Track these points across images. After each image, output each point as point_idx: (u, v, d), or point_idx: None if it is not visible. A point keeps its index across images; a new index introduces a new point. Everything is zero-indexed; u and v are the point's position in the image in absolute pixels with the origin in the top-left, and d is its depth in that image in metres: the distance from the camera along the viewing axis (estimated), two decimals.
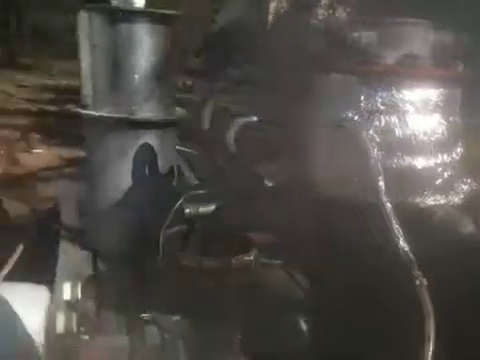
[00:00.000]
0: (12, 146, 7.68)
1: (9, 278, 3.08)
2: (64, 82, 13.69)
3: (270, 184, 2.89)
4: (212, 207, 3.33)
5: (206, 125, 2.91)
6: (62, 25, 18.43)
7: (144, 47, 2.95)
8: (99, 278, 2.86)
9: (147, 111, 3.01)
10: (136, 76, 2.97)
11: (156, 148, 3.07)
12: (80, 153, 7.64)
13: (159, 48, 2.99)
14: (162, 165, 3.12)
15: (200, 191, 3.14)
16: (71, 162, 7.29)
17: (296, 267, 2.65)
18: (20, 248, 3.46)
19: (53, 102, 10.71)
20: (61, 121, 9.44)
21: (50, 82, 13.45)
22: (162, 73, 3.03)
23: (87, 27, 2.98)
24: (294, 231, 2.44)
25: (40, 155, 7.51)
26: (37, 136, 8.23)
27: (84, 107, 3.11)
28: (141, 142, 3.03)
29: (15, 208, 5.42)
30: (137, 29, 2.93)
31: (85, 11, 2.99)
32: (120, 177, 3.05)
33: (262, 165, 2.95)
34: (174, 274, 2.25)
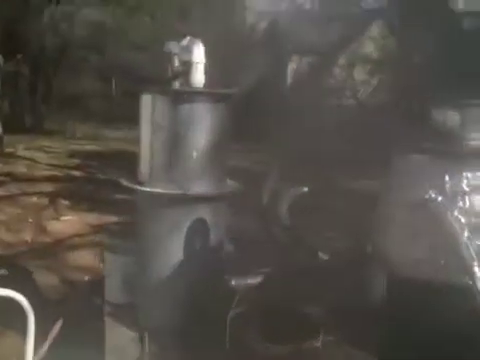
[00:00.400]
0: (40, 214, 7.71)
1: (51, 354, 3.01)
2: (88, 147, 13.98)
3: (325, 257, 2.87)
4: (259, 279, 3.31)
5: (265, 199, 2.92)
6: (87, 91, 19.08)
7: (203, 125, 3.05)
8: None
9: (201, 186, 3.06)
10: (194, 153, 3.04)
11: (209, 222, 3.09)
12: (107, 219, 7.74)
13: (217, 125, 3.08)
14: (213, 238, 3.12)
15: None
16: (98, 229, 7.29)
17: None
18: (59, 323, 3.39)
19: (78, 168, 10.84)
20: (87, 186, 9.55)
21: (75, 147, 13.68)
22: (218, 149, 3.09)
23: (149, 108, 3.09)
24: (349, 305, 2.39)
25: (68, 222, 7.51)
26: (65, 202, 8.27)
27: (140, 184, 3.16)
28: (194, 217, 3.05)
29: (45, 279, 5.37)
30: (198, 108, 3.03)
31: (148, 93, 3.10)
32: (173, 251, 3.06)
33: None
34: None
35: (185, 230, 3.03)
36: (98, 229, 7.30)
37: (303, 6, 16.74)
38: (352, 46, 17.13)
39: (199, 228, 3.03)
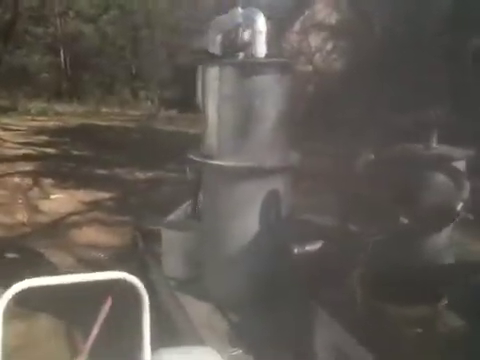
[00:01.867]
0: (27, 194, 7.36)
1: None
2: (51, 123, 13.40)
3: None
4: (318, 245, 3.35)
5: (360, 171, 2.90)
6: (38, 66, 18.17)
7: (272, 96, 2.96)
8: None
9: (274, 158, 3.01)
10: (265, 125, 2.97)
11: (281, 193, 3.06)
12: (99, 195, 7.51)
13: (285, 96, 3.01)
14: (284, 210, 3.11)
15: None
16: (93, 205, 7.07)
17: None
18: (107, 305, 3.23)
19: (50, 145, 10.39)
20: (67, 164, 9.20)
21: (36, 123, 13.10)
22: (286, 120, 3.04)
23: (216, 79, 2.98)
24: None
25: (59, 201, 7.23)
26: (50, 181, 7.94)
27: (207, 157, 3.08)
28: (268, 189, 3.00)
29: (59, 260, 5.18)
30: (267, 79, 2.95)
31: (216, 65, 2.99)
32: (249, 223, 3.01)
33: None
34: (376, 322, 2.21)
35: (260, 203, 2.98)
36: (93, 206, 7.10)
37: None
38: (306, 12, 17.18)
39: (273, 200, 3.00)
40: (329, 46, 16.25)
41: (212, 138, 3.06)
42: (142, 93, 18.41)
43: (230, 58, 3.05)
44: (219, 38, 3.61)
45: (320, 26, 16.82)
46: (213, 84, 3.00)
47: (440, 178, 3.04)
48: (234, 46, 3.09)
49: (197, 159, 3.11)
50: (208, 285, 3.19)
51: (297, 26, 17.59)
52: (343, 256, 2.86)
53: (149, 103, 16.44)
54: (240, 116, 2.95)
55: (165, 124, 14.07)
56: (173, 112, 16.95)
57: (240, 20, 3.09)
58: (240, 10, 3.27)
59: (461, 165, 3.13)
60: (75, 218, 6.53)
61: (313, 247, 3.30)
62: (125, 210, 6.77)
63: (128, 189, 7.87)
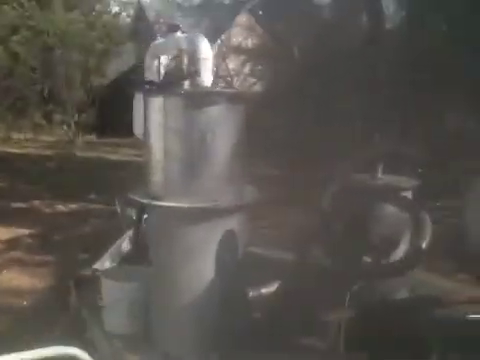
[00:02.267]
0: None
1: None
2: None
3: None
4: (274, 287, 3.10)
5: (326, 202, 2.65)
6: None
7: (224, 128, 2.70)
8: None
9: (230, 197, 2.73)
10: (218, 160, 2.70)
11: (237, 233, 2.79)
12: (18, 232, 6.84)
13: (237, 127, 2.76)
14: (241, 249, 2.84)
15: None
16: (12, 244, 6.41)
17: None
18: None
19: None
20: None
21: None
22: (240, 153, 2.79)
23: (161, 112, 2.67)
24: None
25: None
26: None
27: (154, 197, 2.75)
28: (223, 230, 2.72)
29: None
30: (219, 110, 2.68)
31: (159, 96, 2.68)
32: (202, 268, 2.71)
33: None
34: None
35: (214, 245, 2.69)
36: (11, 244, 6.44)
37: None
38: (223, 36, 17.23)
39: (229, 241, 2.72)
40: (246, 69, 16.46)
41: (158, 175, 2.75)
42: (57, 117, 17.52)
43: (175, 87, 2.76)
44: (156, 64, 3.33)
45: (237, 50, 17.01)
46: (157, 116, 2.69)
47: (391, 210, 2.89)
48: (178, 74, 2.81)
49: (141, 200, 2.77)
50: (157, 339, 2.83)
51: (214, 50, 17.69)
52: (308, 297, 2.62)
53: (65, 128, 15.61)
54: (190, 151, 2.66)
55: (84, 150, 13.42)
56: (91, 137, 16.28)
57: (183, 46, 2.82)
58: (180, 35, 3.01)
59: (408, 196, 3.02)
60: None
61: (269, 289, 3.02)
62: (49, 249, 6.20)
63: (50, 224, 7.26)
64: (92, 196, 8.83)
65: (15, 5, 16.02)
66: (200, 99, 2.65)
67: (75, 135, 15.13)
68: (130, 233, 4.21)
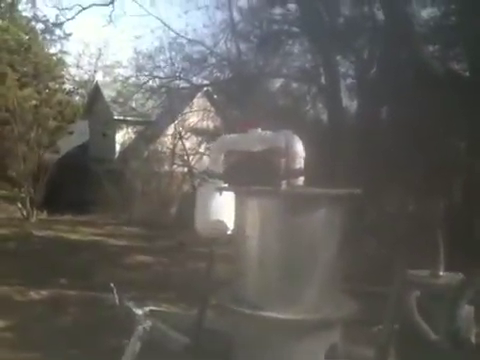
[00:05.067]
0: None
1: None
2: None
3: None
4: None
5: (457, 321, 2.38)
6: None
7: (328, 231, 2.45)
8: None
9: (332, 306, 2.44)
10: (321, 267, 2.43)
11: (339, 346, 2.48)
12: None
13: (339, 229, 2.52)
14: None
15: None
16: None
17: None
18: None
19: None
20: None
21: None
22: (339, 257, 2.54)
23: (257, 213, 2.40)
24: None
25: None
26: None
27: (250, 306, 2.41)
28: (329, 343, 2.41)
29: None
30: (323, 212, 2.43)
31: (258, 196, 2.41)
32: None
33: None
34: None
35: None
36: None
37: (129, 78, 16.36)
38: (180, 117, 17.28)
39: (334, 356, 2.41)
40: (202, 149, 16.47)
41: (253, 282, 2.42)
42: (4, 193, 16.49)
43: (274, 188, 2.49)
44: (222, 158, 3.08)
45: (193, 130, 17.06)
46: (253, 216, 2.41)
47: None
48: (280, 173, 2.56)
49: (236, 308, 2.41)
50: None
51: (171, 130, 17.67)
52: None
53: (19, 205, 14.60)
54: (294, 257, 2.38)
55: (40, 229, 12.49)
56: (42, 215, 15.31)
57: (278, 143, 2.59)
58: (265, 132, 2.80)
59: None
60: None
61: None
62: (31, 345, 5.42)
63: (25, 314, 6.45)
64: (63, 281, 8.07)
65: None
66: (306, 200, 2.41)
67: (30, 213, 14.15)
68: (140, 331, 3.74)
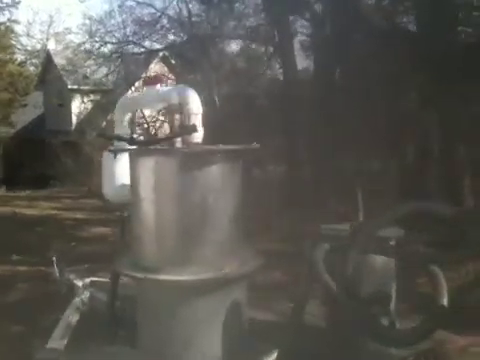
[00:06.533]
0: None
1: None
2: None
3: None
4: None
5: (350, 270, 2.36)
6: None
7: (223, 188, 2.39)
8: None
9: (235, 263, 2.41)
10: (221, 223, 2.38)
11: (242, 303, 2.46)
12: None
13: (236, 187, 2.46)
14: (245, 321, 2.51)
15: None
16: None
17: None
18: None
19: None
20: None
21: None
22: (239, 215, 2.49)
23: (152, 173, 2.32)
24: None
25: None
26: None
27: (148, 270, 2.36)
28: (230, 301, 2.39)
29: None
30: (217, 169, 2.37)
31: (150, 155, 2.33)
32: (207, 346, 2.34)
33: None
34: None
35: (222, 318, 2.34)
36: None
37: (81, 45, 15.84)
38: (137, 84, 16.89)
39: (236, 313, 2.39)
40: (161, 116, 16.19)
41: (151, 245, 2.37)
42: None
43: (166, 146, 2.42)
44: (128, 118, 2.97)
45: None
46: (149, 178, 2.33)
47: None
48: (170, 130, 2.47)
49: (134, 274, 2.36)
50: None
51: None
52: None
53: None
54: (190, 216, 2.32)
55: None
56: (1, 191, 14.98)
57: (172, 100, 2.50)
58: (163, 87, 2.70)
59: None
60: None
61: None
62: None
63: None
64: (14, 257, 7.92)
65: None
66: (201, 158, 2.34)
67: None
68: (76, 302, 3.70)
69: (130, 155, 2.44)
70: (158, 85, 2.69)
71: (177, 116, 2.45)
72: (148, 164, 2.35)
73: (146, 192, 2.36)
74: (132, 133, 2.92)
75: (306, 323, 2.64)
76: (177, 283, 2.28)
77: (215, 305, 2.32)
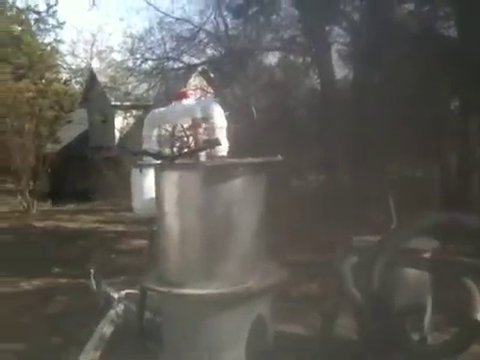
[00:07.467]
0: None
1: None
2: None
3: None
4: None
5: (375, 283, 2.32)
6: None
7: (247, 202, 2.40)
8: None
9: (259, 276, 2.40)
10: (244, 237, 2.38)
11: (267, 318, 2.44)
12: None
13: (260, 200, 2.46)
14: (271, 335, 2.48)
15: None
16: None
17: None
18: None
19: None
20: None
21: None
22: (263, 228, 2.48)
23: (175, 187, 2.35)
24: None
25: None
26: None
27: (172, 284, 2.38)
28: (254, 316, 2.37)
29: None
30: (241, 182, 2.38)
31: (172, 170, 2.36)
32: (235, 355, 2.33)
33: None
34: None
35: (246, 333, 2.33)
36: None
37: (123, 63, 16.27)
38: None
39: (260, 329, 2.37)
40: (201, 129, 16.35)
41: (175, 259, 2.39)
42: (7, 186, 16.67)
43: (190, 160, 2.45)
44: (155, 133, 3.03)
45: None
46: (173, 192, 2.36)
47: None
48: (195, 145, 2.51)
49: (158, 288, 2.38)
50: None
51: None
52: None
53: (19, 197, 14.75)
54: (213, 230, 2.33)
55: (41, 220, 12.62)
56: (47, 205, 15.49)
57: (197, 114, 2.53)
58: (189, 102, 2.74)
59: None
60: None
61: None
62: (15, 334, 5.48)
63: (13, 304, 6.52)
64: (56, 270, 8.15)
65: None
66: (224, 171, 2.35)
67: (30, 204, 14.30)
68: (111, 314, 3.75)
69: (155, 169, 2.48)
70: (184, 100, 2.73)
71: (201, 130, 2.48)
72: (172, 178, 2.39)
73: (170, 206, 2.39)
74: (160, 147, 2.97)
75: (337, 336, 2.60)
76: (200, 297, 2.29)
77: (238, 319, 2.32)
